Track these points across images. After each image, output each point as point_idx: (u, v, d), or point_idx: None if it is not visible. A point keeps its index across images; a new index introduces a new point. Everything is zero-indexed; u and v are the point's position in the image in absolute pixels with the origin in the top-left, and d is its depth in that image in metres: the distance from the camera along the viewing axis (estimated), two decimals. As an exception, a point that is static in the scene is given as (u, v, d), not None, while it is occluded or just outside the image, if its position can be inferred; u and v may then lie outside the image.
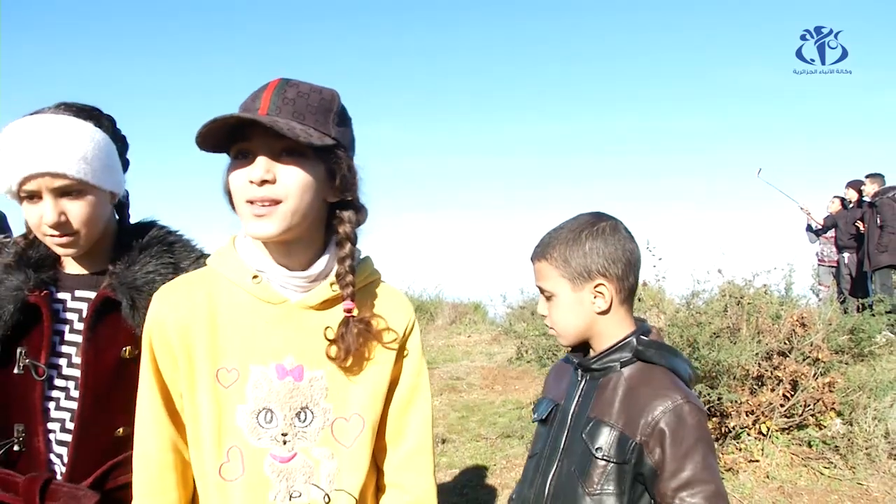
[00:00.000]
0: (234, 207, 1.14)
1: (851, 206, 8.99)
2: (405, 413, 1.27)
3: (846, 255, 9.05)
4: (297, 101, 1.08)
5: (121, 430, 1.33)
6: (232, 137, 1.09)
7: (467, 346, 9.12)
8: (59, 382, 1.33)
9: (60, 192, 1.27)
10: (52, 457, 1.33)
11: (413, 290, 11.99)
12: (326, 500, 1.16)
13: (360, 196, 1.21)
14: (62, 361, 1.33)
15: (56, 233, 1.29)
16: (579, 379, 1.41)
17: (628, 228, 1.39)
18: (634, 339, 1.36)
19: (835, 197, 9.36)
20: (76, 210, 1.29)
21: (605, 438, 1.29)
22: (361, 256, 1.25)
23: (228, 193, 1.14)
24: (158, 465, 1.17)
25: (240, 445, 1.13)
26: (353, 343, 1.15)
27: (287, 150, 1.08)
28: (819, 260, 9.63)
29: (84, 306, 1.35)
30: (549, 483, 1.35)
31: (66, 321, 1.35)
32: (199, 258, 1.43)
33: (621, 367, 1.35)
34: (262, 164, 1.07)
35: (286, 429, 1.15)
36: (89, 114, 1.35)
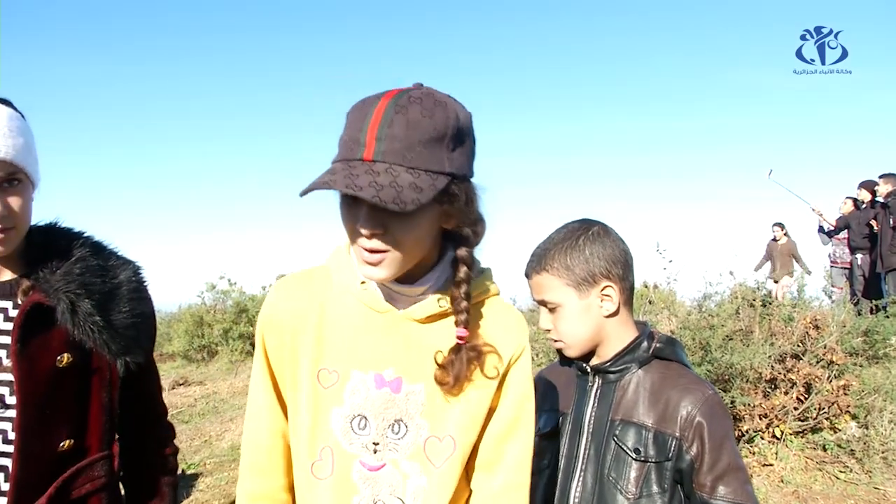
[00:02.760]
0: None
1: (864, 206, 8.91)
2: (503, 443, 1.18)
3: (859, 256, 8.97)
4: (406, 138, 0.97)
5: (66, 443, 1.26)
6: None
7: (477, 349, 9.08)
8: None
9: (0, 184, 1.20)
10: None
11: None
12: None
13: (480, 213, 1.13)
14: None
15: None
16: (590, 384, 1.39)
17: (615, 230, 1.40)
18: (646, 339, 1.37)
19: (847, 198, 9.29)
20: (16, 202, 1.22)
21: (640, 439, 1.28)
22: (480, 267, 1.19)
23: None
24: (267, 449, 1.19)
25: (332, 447, 1.13)
26: (462, 370, 1.11)
27: None
28: (832, 261, 9.56)
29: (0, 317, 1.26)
30: (574, 495, 1.32)
31: None
32: (125, 263, 1.39)
33: (639, 368, 1.35)
34: (369, 219, 1.00)
35: (378, 438, 1.13)
36: (3, 101, 1.26)
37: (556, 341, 1.39)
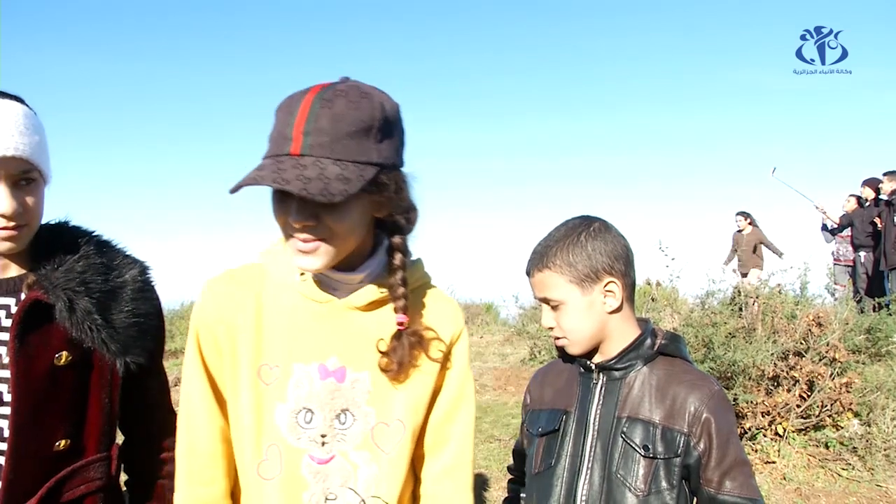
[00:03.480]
0: None
1: (868, 204, 8.90)
2: (447, 423, 1.23)
3: (862, 253, 8.96)
4: (332, 131, 1.00)
5: (61, 442, 1.25)
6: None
7: (479, 347, 9.10)
8: None
9: (15, 181, 1.20)
10: None
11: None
12: None
13: (412, 200, 1.15)
14: None
15: (10, 224, 1.20)
16: (595, 381, 1.38)
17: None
18: (650, 336, 1.37)
19: (851, 195, 9.28)
20: (30, 199, 1.22)
21: (648, 435, 1.28)
22: (413, 259, 1.22)
23: None
24: (207, 454, 1.16)
25: (278, 444, 1.12)
26: (405, 356, 1.14)
27: None
28: (835, 259, 9.54)
29: (1, 314, 1.25)
30: (582, 493, 1.31)
31: None
32: (132, 262, 1.38)
33: (644, 364, 1.35)
34: (299, 212, 1.03)
35: (325, 430, 1.13)
36: (18, 100, 1.26)
37: (558, 339, 1.38)
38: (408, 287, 1.16)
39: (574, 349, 1.37)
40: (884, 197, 8.37)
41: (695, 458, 1.27)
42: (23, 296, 1.26)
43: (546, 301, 1.36)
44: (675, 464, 1.27)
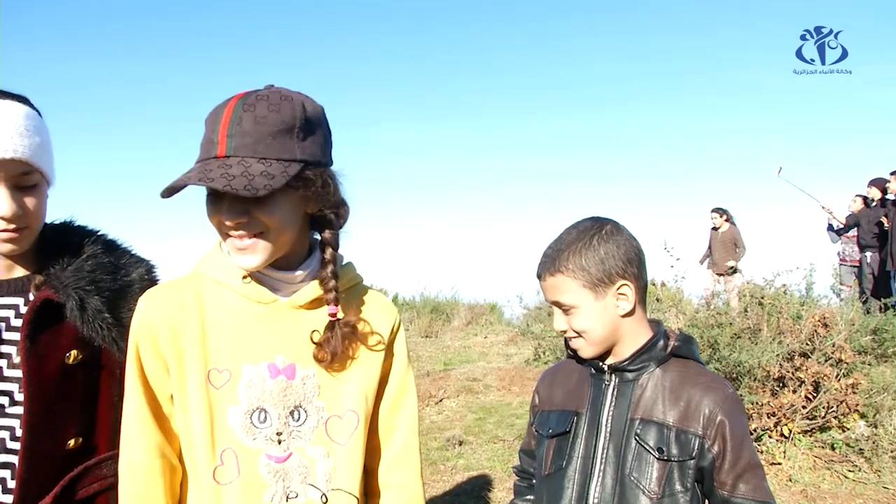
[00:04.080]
0: None
1: (875, 204, 8.86)
2: (394, 412, 1.29)
3: (869, 254, 8.92)
4: (255, 132, 1.05)
5: (73, 441, 1.26)
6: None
7: (484, 347, 9.10)
8: None
9: (14, 182, 1.20)
10: None
11: (429, 291, 12.02)
12: (324, 499, 1.16)
13: (341, 197, 1.20)
14: None
15: (11, 226, 1.20)
16: (607, 382, 1.37)
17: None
18: (662, 338, 1.36)
19: (857, 195, 9.24)
20: (31, 202, 1.22)
21: (662, 438, 1.28)
22: (344, 262, 1.27)
23: None
24: (146, 471, 1.15)
25: (234, 447, 1.13)
26: (338, 346, 1.17)
27: None
28: (840, 259, 9.50)
29: (10, 314, 1.25)
30: (594, 495, 1.30)
31: None
32: (138, 261, 1.39)
33: (657, 366, 1.34)
34: (231, 210, 1.07)
35: (281, 428, 1.15)
36: (22, 100, 1.25)
37: (571, 341, 1.37)
38: (339, 281, 1.19)
39: (587, 352, 1.36)
40: (891, 197, 8.34)
41: (709, 460, 1.26)
42: (31, 296, 1.27)
43: (558, 305, 1.34)
44: (690, 466, 1.26)
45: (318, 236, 1.23)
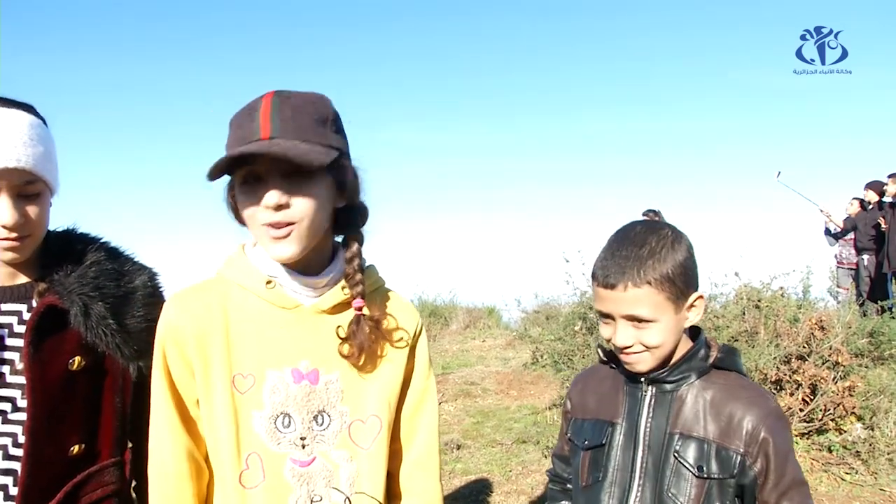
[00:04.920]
0: (239, 222, 1.17)
1: (871, 207, 8.88)
2: (416, 415, 1.29)
3: (865, 257, 8.95)
4: (295, 118, 1.08)
5: (76, 447, 1.26)
6: (237, 161, 1.08)
7: (482, 350, 9.09)
8: None
9: (17, 191, 1.21)
10: None
11: (427, 295, 11.99)
12: (347, 503, 1.17)
13: (363, 196, 1.23)
14: None
15: (12, 235, 1.21)
16: (644, 392, 1.30)
17: None
18: (703, 347, 1.30)
19: (854, 198, 9.26)
20: (33, 211, 1.23)
21: (703, 454, 1.23)
22: (367, 264, 1.27)
23: (234, 210, 1.17)
24: (175, 475, 1.16)
25: (259, 451, 1.14)
26: (365, 340, 1.17)
27: (296, 170, 1.08)
28: (837, 262, 9.52)
29: (13, 320, 1.26)
30: None
31: None
32: (141, 268, 1.40)
33: (697, 377, 1.28)
34: (276, 190, 1.08)
35: (304, 433, 1.16)
36: (28, 108, 1.26)
37: (628, 355, 1.26)
38: (364, 273, 1.21)
39: (646, 366, 1.26)
40: (888, 199, 8.36)
41: (750, 477, 1.22)
42: (34, 302, 1.27)
43: (634, 318, 1.22)
44: (730, 484, 1.22)
45: (338, 239, 1.25)
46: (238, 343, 1.16)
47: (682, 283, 1.22)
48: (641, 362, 1.26)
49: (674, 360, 1.28)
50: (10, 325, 1.26)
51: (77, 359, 1.26)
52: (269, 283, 1.17)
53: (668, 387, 1.28)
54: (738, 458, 1.22)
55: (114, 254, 1.39)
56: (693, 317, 1.26)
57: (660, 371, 1.28)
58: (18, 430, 1.23)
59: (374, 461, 1.20)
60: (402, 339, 1.25)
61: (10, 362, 1.24)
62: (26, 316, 1.26)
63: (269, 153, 1.03)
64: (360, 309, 1.19)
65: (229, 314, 1.17)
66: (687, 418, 1.26)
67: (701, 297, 1.25)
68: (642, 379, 1.30)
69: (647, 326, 1.22)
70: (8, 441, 1.23)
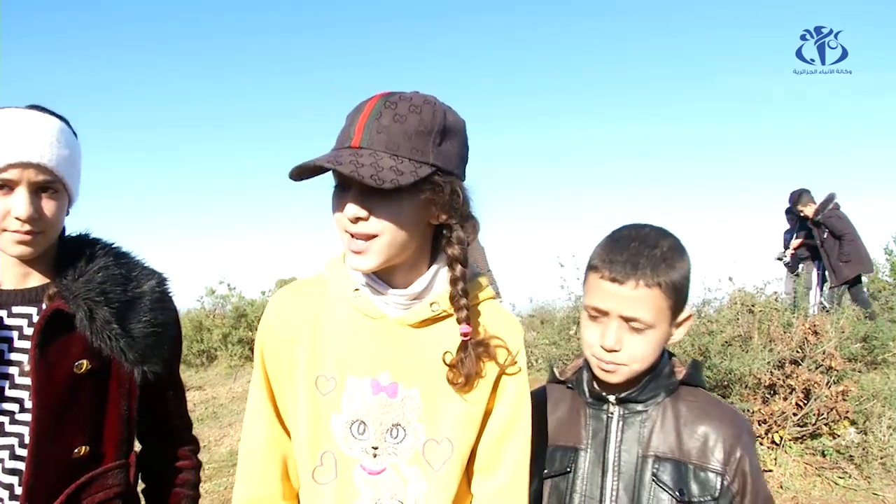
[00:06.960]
0: None
1: (802, 215, 8.70)
2: (501, 445, 1.19)
3: (801, 265, 8.81)
4: (392, 129, 1.05)
5: (80, 449, 1.28)
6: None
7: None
8: (2, 406, 1.25)
9: (36, 188, 1.23)
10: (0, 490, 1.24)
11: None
12: None
13: (471, 210, 1.16)
14: (4, 383, 1.26)
15: (25, 228, 1.22)
16: (610, 415, 1.25)
17: None
18: (669, 365, 1.26)
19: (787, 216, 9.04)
20: (49, 208, 1.25)
21: (682, 478, 1.19)
22: (476, 271, 1.22)
23: None
24: (261, 458, 1.22)
25: (333, 451, 1.16)
26: (472, 367, 1.13)
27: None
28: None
29: (23, 323, 1.28)
30: None
31: (4, 340, 1.27)
32: (150, 273, 1.41)
33: (667, 396, 1.23)
34: (353, 202, 1.06)
35: (377, 443, 1.16)
36: (61, 118, 1.31)
37: (602, 363, 1.21)
38: (469, 298, 1.14)
39: (620, 377, 1.21)
40: (811, 217, 8.14)
41: (728, 498, 1.19)
42: (44, 305, 1.29)
43: (631, 321, 1.17)
44: None
45: (439, 253, 1.19)
46: (324, 345, 1.17)
47: (684, 295, 1.19)
48: (615, 373, 1.20)
49: (645, 378, 1.23)
50: (20, 328, 1.28)
51: (84, 362, 1.28)
52: (356, 290, 1.16)
53: (638, 406, 1.23)
54: (718, 478, 1.19)
55: (122, 258, 1.40)
56: (678, 335, 1.23)
57: (630, 390, 1.23)
58: (25, 430, 1.25)
59: (443, 484, 1.16)
60: (506, 356, 1.17)
61: (19, 364, 1.26)
62: (36, 319, 1.28)
63: (338, 169, 1.02)
64: (466, 335, 1.13)
65: (320, 316, 1.18)
66: (660, 440, 1.21)
67: (691, 315, 1.22)
68: (611, 398, 1.24)
69: (640, 332, 1.17)
70: (15, 441, 1.24)
